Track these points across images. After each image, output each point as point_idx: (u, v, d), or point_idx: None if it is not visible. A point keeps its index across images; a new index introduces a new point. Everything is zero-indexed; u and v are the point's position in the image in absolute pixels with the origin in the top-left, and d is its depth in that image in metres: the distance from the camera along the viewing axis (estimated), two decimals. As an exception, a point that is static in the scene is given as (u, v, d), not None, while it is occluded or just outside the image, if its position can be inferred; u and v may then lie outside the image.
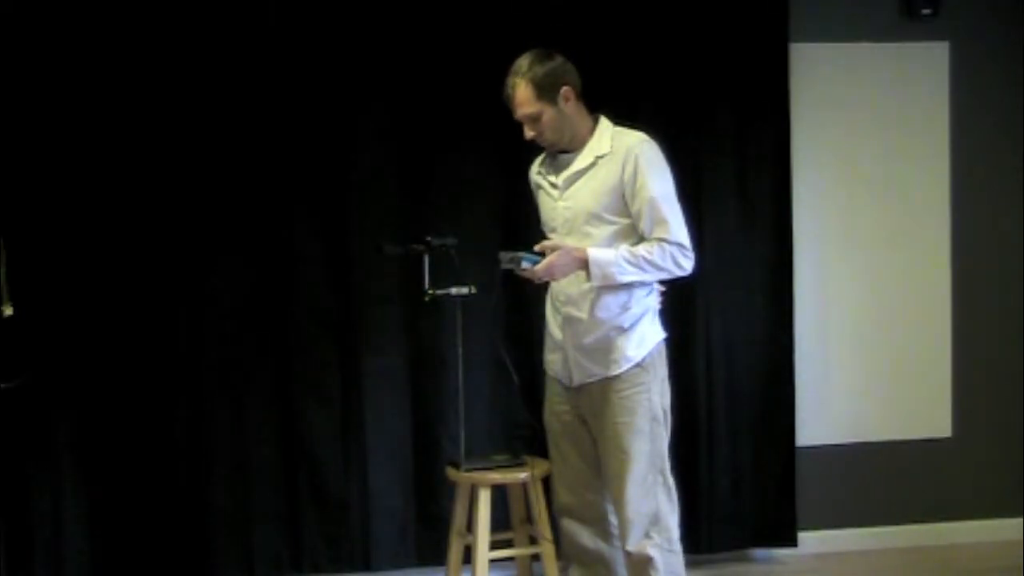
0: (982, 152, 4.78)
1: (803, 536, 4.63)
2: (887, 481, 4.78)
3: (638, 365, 3.38)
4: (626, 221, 3.36)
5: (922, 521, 4.81)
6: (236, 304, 4.23)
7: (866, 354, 4.74)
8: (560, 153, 3.46)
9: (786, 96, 4.55)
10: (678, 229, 3.33)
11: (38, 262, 4.08)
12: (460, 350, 3.85)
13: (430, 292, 3.72)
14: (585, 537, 3.56)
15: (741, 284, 4.55)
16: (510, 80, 3.37)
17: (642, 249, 3.31)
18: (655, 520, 3.39)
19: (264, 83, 4.21)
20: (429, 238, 3.75)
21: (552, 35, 3.86)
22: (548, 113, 3.35)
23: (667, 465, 3.44)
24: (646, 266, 3.30)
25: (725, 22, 4.46)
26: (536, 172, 3.59)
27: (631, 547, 3.39)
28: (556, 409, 3.60)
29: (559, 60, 3.39)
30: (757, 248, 4.55)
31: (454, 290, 3.74)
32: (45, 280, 4.10)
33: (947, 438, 4.81)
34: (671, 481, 3.45)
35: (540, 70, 3.33)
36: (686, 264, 3.35)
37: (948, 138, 4.76)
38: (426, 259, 3.74)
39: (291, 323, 4.26)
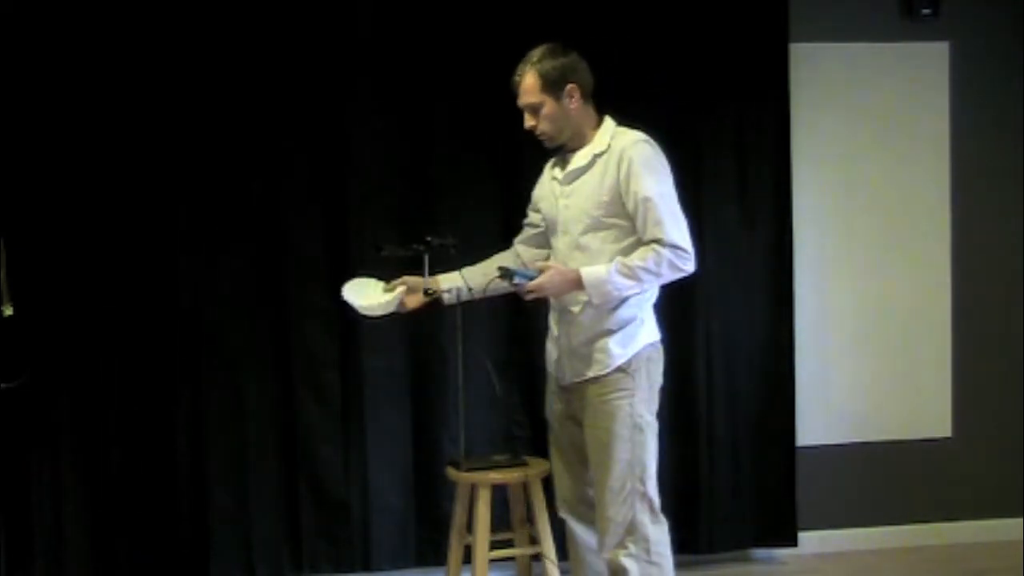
0: (982, 152, 4.78)
1: (803, 536, 4.63)
2: (887, 481, 4.78)
3: (621, 369, 3.32)
4: (625, 223, 3.30)
5: (922, 521, 4.81)
6: (236, 304, 4.23)
7: (866, 354, 4.75)
8: (568, 152, 3.43)
9: (786, 96, 4.55)
10: (673, 229, 3.23)
11: (38, 262, 4.08)
12: (460, 350, 3.85)
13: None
14: (581, 532, 3.55)
15: (741, 283, 4.55)
16: (520, 67, 3.36)
17: (636, 259, 3.23)
18: (631, 529, 3.32)
19: (264, 83, 4.21)
20: (429, 238, 3.73)
21: (553, 34, 3.85)
22: (549, 106, 3.33)
23: (648, 474, 3.35)
24: (643, 275, 3.22)
25: (725, 22, 4.46)
26: (546, 172, 3.56)
27: (605, 554, 3.36)
28: (553, 407, 3.58)
29: (572, 57, 3.37)
30: (757, 247, 4.54)
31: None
32: (45, 280, 4.10)
33: (947, 438, 4.81)
34: (652, 491, 3.35)
35: (550, 63, 3.32)
36: (684, 266, 3.25)
37: (948, 138, 4.76)
38: (426, 259, 3.73)
39: (291, 323, 4.26)
